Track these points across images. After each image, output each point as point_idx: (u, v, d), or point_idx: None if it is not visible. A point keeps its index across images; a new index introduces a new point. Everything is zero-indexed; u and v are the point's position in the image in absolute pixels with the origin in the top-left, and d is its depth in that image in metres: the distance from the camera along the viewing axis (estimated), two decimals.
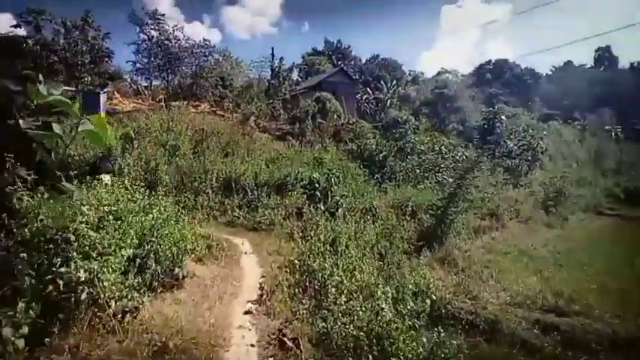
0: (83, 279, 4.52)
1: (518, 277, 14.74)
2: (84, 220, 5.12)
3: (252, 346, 5.58)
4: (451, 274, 13.52)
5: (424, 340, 6.26)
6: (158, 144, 20.76)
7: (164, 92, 38.20)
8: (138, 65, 38.49)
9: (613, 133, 57.99)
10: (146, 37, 37.27)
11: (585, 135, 55.86)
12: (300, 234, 12.85)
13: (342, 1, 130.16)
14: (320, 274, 7.90)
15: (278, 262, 10.12)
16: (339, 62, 62.30)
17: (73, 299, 4.51)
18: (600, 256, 19.75)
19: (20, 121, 6.20)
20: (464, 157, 32.08)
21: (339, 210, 16.08)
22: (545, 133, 44.79)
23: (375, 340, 5.97)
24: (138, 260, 6.05)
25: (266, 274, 9.27)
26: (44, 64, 27.91)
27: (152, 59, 37.97)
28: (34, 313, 4.06)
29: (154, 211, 7.83)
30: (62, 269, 4.53)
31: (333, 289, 7.37)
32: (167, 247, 7.19)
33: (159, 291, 6.67)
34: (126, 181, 8.45)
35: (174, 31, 37.42)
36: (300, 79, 54.65)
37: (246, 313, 6.78)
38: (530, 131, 42.64)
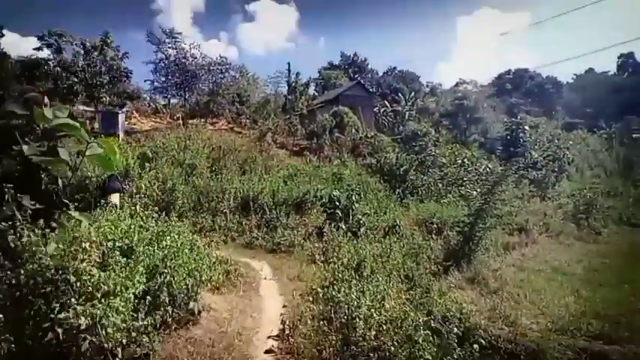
0: (84, 326, 4.01)
1: (554, 298, 13.81)
2: (86, 257, 4.65)
3: None
4: (484, 297, 12.66)
5: None
6: (175, 163, 20.60)
7: (182, 110, 38.47)
8: (156, 84, 38.99)
9: None
10: (163, 55, 37.76)
11: (612, 144, 54.04)
12: (322, 256, 12.28)
13: (357, 15, 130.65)
14: (346, 306, 7.26)
15: (299, 289, 9.51)
16: (356, 76, 61.98)
17: (74, 349, 4.00)
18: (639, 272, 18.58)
19: (24, 147, 5.86)
20: (487, 169, 31.26)
21: (362, 229, 15.45)
22: (570, 142, 43.49)
23: None
24: (148, 298, 5.51)
25: (287, 303, 8.67)
26: (64, 85, 28.29)
27: (170, 77, 38.35)
28: None
29: (168, 238, 7.34)
30: (61, 315, 4.04)
31: (361, 322, 6.72)
32: (181, 278, 6.67)
33: (173, 328, 6.15)
34: (137, 207, 7.97)
35: (191, 49, 37.79)
36: (316, 94, 54.48)
37: (267, 352, 6.19)
38: (556, 141, 41.44)
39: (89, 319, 4.05)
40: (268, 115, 37.25)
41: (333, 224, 15.21)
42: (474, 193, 24.37)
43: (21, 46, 61.57)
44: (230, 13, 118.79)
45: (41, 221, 4.44)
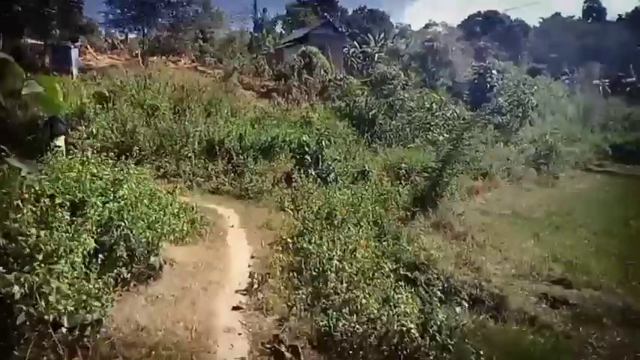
0: (18, 296, 3.51)
1: (515, 242, 14.25)
2: (19, 215, 4.07)
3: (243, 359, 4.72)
4: (450, 242, 12.84)
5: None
6: (135, 103, 19.39)
7: (141, 46, 36.11)
8: (111, 17, 35.99)
9: (601, 88, 57.34)
10: None
11: (574, 89, 55.01)
12: (292, 203, 11.97)
13: None
14: (317, 258, 7.04)
15: (268, 237, 9.21)
16: (325, 14, 59.30)
17: (9, 321, 3.53)
18: (594, 215, 19.43)
19: None
20: (455, 114, 31.21)
21: (331, 175, 15.16)
22: (535, 88, 43.83)
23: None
24: (101, 256, 5.02)
25: (256, 253, 8.36)
26: (6, 14, 25.55)
27: (126, 10, 35.36)
28: None
29: (125, 187, 6.76)
30: None
31: (333, 275, 6.53)
32: (140, 231, 6.18)
33: (132, 285, 5.74)
34: (90, 153, 7.24)
35: None
36: (284, 32, 52.10)
37: (234, 308, 5.91)
38: (522, 86, 41.62)
39: (25, 287, 3.55)
40: (234, 54, 35.57)
41: (302, 170, 14.82)
42: (441, 138, 24.43)
43: None
44: None
45: None
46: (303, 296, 6.18)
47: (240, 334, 5.20)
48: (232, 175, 15.11)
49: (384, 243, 10.03)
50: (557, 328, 8.53)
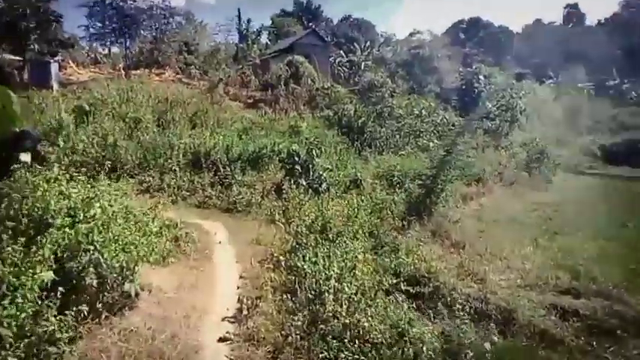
0: None
1: (514, 249, 13.75)
2: None
3: None
4: (449, 251, 12.29)
5: None
6: (117, 117, 18.72)
7: (124, 60, 35.50)
8: (92, 30, 35.30)
9: (585, 91, 57.86)
10: None
11: (560, 93, 55.41)
12: (282, 216, 11.31)
13: None
14: (313, 279, 6.38)
15: (259, 254, 8.54)
16: (310, 24, 59.20)
17: None
18: (591, 219, 19.07)
19: None
20: (444, 120, 31.00)
21: (323, 185, 14.55)
22: (522, 92, 43.95)
23: None
24: (60, 288, 4.32)
25: (245, 272, 7.68)
26: None
27: (107, 23, 34.72)
28: None
29: (97, 205, 6.07)
30: None
31: (331, 297, 5.88)
32: (114, 254, 5.50)
33: (103, 317, 5.04)
34: (55, 169, 6.54)
35: None
36: (269, 43, 51.77)
37: (221, 340, 5.23)
38: (509, 91, 41.68)
39: None
40: (219, 65, 35.08)
41: (292, 181, 14.19)
42: (431, 144, 24.07)
43: None
44: None
45: None
46: (299, 322, 5.52)
47: None
48: (219, 187, 14.44)
49: (381, 256, 9.43)
50: (570, 342, 7.97)
